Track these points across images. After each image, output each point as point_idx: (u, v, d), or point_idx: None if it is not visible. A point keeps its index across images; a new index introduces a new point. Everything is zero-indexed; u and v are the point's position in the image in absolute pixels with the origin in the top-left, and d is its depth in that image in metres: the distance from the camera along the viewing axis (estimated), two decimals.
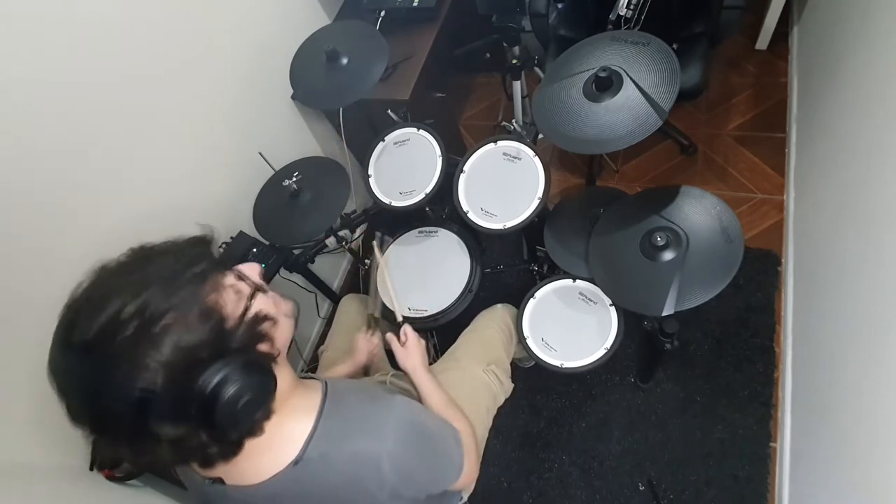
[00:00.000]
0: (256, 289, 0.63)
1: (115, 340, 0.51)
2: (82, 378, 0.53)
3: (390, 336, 1.08)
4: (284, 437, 0.65)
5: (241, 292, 0.61)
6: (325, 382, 0.74)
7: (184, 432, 0.54)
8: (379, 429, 0.69)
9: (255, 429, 0.61)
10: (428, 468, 0.77)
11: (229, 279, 0.61)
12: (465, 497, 1.05)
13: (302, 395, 0.69)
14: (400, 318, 1.18)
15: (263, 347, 0.61)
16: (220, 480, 0.65)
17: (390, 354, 1.11)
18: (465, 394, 1.05)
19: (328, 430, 0.67)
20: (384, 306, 1.31)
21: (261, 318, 0.61)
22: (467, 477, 0.86)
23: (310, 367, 1.72)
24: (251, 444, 0.61)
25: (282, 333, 0.65)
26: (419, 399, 1.03)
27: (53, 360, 0.55)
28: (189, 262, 0.58)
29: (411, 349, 1.06)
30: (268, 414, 0.61)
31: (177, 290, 0.54)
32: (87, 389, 0.53)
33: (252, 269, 0.66)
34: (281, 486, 0.64)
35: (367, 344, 1.13)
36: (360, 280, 1.50)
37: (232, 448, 0.60)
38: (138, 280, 0.55)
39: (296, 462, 0.64)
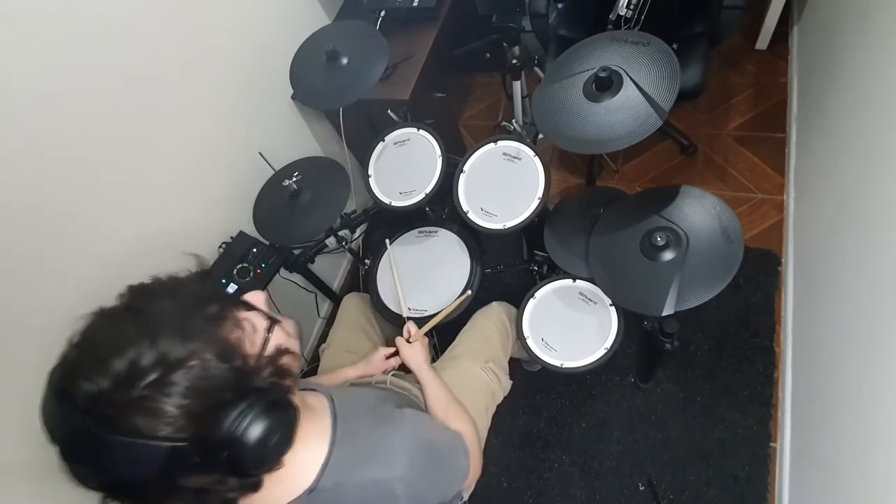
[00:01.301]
0: (271, 321, 0.61)
1: (132, 393, 0.47)
2: (94, 440, 0.49)
3: (398, 340, 1.09)
4: (297, 467, 0.63)
5: (256, 327, 0.59)
6: (332, 400, 0.73)
7: (212, 480, 0.52)
8: (390, 455, 0.68)
9: (279, 464, 0.58)
10: (438, 485, 0.78)
11: (242, 313, 0.59)
12: (466, 497, 1.05)
13: (311, 419, 0.68)
14: (405, 315, 1.19)
15: (287, 382, 0.59)
16: None
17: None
18: (465, 392, 1.06)
19: (341, 458, 0.66)
20: (385, 307, 1.32)
21: (281, 352, 0.59)
22: (472, 477, 0.87)
23: (310, 367, 1.72)
24: (267, 478, 0.60)
25: (297, 361, 0.64)
26: (422, 397, 1.04)
27: (53, 420, 0.50)
28: (199, 300, 0.55)
29: (416, 346, 1.07)
30: (289, 446, 0.59)
31: (193, 333, 0.52)
32: (102, 452, 0.49)
33: (258, 299, 0.64)
34: None
35: (383, 363, 1.11)
36: (360, 280, 1.50)
37: (253, 485, 0.58)
38: (147, 325, 0.51)
39: (310, 491, 0.63)
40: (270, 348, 0.58)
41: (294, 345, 0.64)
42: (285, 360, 0.59)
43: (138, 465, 0.48)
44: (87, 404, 0.48)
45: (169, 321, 0.52)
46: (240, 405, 0.52)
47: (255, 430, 0.52)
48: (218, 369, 0.51)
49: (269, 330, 0.60)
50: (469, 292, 1.23)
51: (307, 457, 0.65)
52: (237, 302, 0.60)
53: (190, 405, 0.49)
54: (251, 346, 0.57)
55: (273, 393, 0.56)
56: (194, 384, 0.49)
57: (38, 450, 1.03)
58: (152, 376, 0.48)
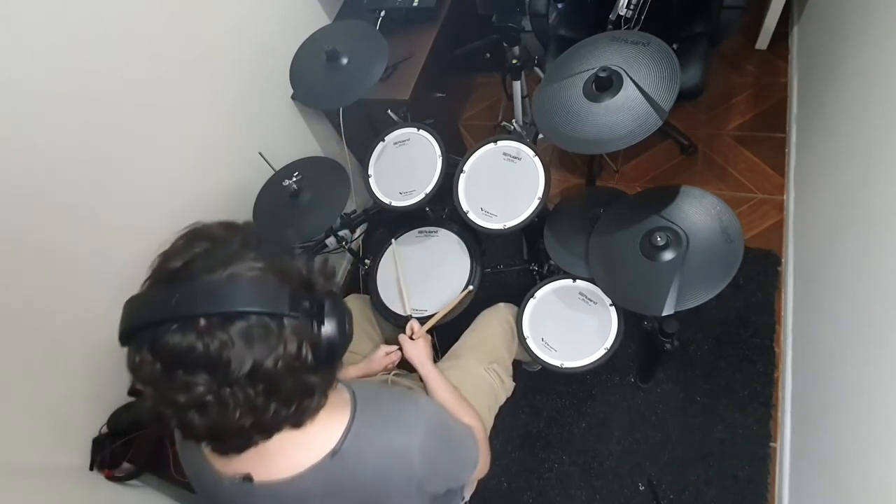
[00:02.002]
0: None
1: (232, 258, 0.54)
2: (206, 281, 0.52)
3: (401, 337, 1.10)
4: (321, 429, 0.65)
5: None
6: (348, 386, 0.74)
7: (301, 340, 0.55)
8: (410, 423, 0.71)
9: (343, 355, 0.62)
10: (452, 463, 0.80)
11: None
12: (467, 497, 1.05)
13: (332, 395, 0.70)
14: (409, 313, 1.20)
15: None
16: (249, 478, 0.64)
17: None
18: (468, 392, 1.06)
19: (363, 424, 0.68)
20: (385, 307, 1.32)
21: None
22: (481, 470, 0.88)
23: None
24: (288, 438, 0.62)
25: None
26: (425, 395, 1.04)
27: (155, 303, 0.52)
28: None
29: (419, 343, 1.07)
30: (350, 340, 0.63)
31: (269, 243, 0.59)
32: (209, 290, 0.52)
33: None
34: (314, 479, 0.64)
35: (385, 359, 1.11)
36: (360, 280, 1.50)
37: (320, 395, 0.61)
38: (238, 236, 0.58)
39: (333, 454, 0.64)
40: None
41: None
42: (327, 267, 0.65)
43: (265, 298, 0.52)
44: (205, 277, 0.53)
45: (260, 245, 0.58)
46: (313, 295, 0.58)
47: (331, 309, 0.58)
48: (292, 261, 0.59)
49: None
50: (471, 288, 1.23)
51: (330, 422, 0.66)
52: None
53: (276, 266, 0.56)
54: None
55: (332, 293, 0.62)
56: (281, 261, 0.57)
57: (38, 448, 1.04)
58: (255, 264, 0.54)
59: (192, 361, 0.50)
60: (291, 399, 0.57)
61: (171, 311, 0.50)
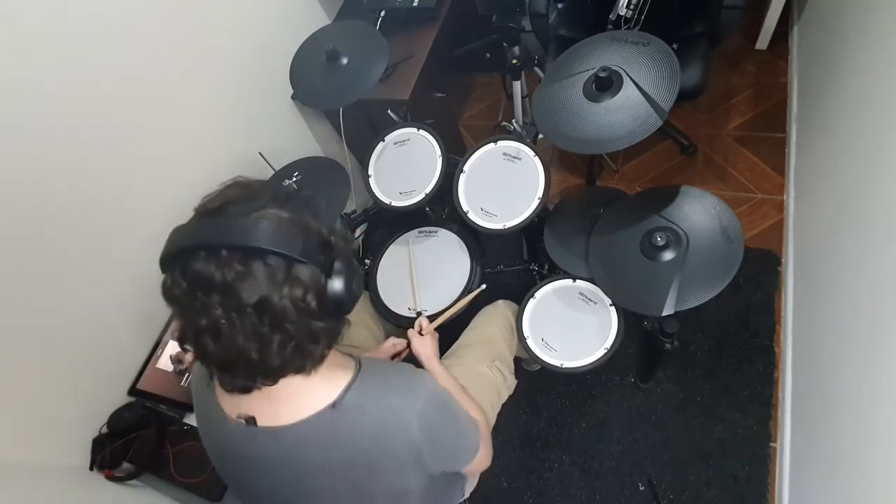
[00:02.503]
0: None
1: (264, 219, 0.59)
2: (241, 225, 0.58)
3: (410, 332, 1.10)
4: (325, 382, 0.68)
5: None
6: (355, 356, 0.77)
7: (314, 282, 0.60)
8: (412, 389, 0.73)
9: (345, 325, 0.68)
10: (451, 438, 0.81)
11: None
12: (468, 493, 1.05)
13: (339, 357, 0.74)
14: (418, 310, 1.22)
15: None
16: (253, 420, 0.68)
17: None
18: (472, 390, 1.06)
19: (366, 383, 0.70)
20: (385, 307, 1.32)
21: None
22: (481, 462, 0.88)
23: None
24: (294, 387, 0.66)
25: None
26: None
27: (195, 228, 0.60)
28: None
29: (427, 339, 1.08)
30: (360, 294, 0.68)
31: (296, 203, 0.66)
32: (244, 235, 0.57)
33: None
34: (314, 428, 0.67)
35: (392, 349, 1.13)
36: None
37: (326, 343, 0.65)
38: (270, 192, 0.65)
39: (333, 405, 0.67)
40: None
41: None
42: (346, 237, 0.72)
43: (281, 241, 0.58)
44: (236, 214, 0.60)
45: (287, 201, 0.64)
46: (329, 248, 0.63)
47: (344, 263, 0.64)
48: (315, 222, 0.65)
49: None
50: (484, 286, 1.23)
51: (334, 376, 0.70)
52: None
53: (300, 220, 0.62)
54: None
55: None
56: (298, 208, 0.64)
57: (38, 448, 1.04)
58: (281, 214, 0.61)
59: (211, 286, 0.56)
60: (294, 339, 0.60)
61: (201, 240, 0.57)
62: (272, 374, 0.63)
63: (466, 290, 1.27)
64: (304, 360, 0.63)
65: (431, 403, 0.73)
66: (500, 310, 1.27)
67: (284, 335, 0.59)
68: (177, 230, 0.60)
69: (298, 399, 0.67)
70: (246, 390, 0.63)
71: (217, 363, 0.61)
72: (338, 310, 0.63)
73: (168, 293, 0.59)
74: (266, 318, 0.57)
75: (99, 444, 1.11)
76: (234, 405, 0.69)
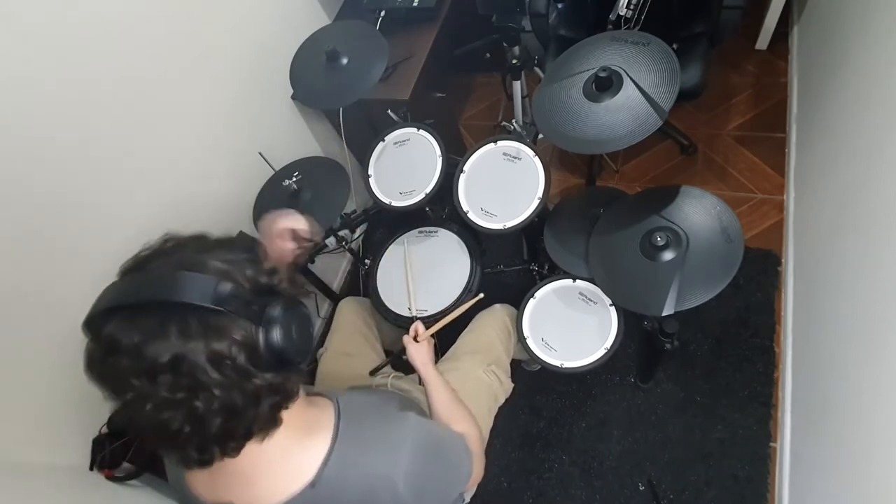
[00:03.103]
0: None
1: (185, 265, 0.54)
2: (153, 281, 0.54)
3: (405, 338, 1.10)
4: (300, 457, 0.64)
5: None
6: (336, 400, 0.73)
7: (246, 337, 0.54)
8: (395, 449, 0.68)
9: (308, 357, 0.61)
10: (441, 485, 0.78)
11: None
12: (468, 498, 1.05)
13: (315, 414, 0.69)
14: (414, 311, 1.21)
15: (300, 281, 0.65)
16: None
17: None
18: (467, 395, 1.06)
19: (344, 451, 0.66)
20: (386, 307, 1.31)
21: (302, 280, 0.65)
22: (474, 481, 0.87)
23: (309, 368, 1.72)
24: (267, 462, 0.61)
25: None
26: (424, 399, 1.04)
27: (119, 287, 0.55)
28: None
29: (422, 346, 1.07)
30: (312, 346, 0.63)
31: (231, 245, 0.60)
32: (162, 281, 0.53)
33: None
34: None
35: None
36: (360, 280, 1.50)
37: (273, 405, 0.58)
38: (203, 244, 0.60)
39: (313, 484, 0.63)
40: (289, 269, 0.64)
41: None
42: (301, 282, 0.66)
43: (190, 289, 0.52)
44: (152, 269, 0.56)
45: (219, 247, 0.60)
46: (270, 296, 0.57)
47: (284, 309, 0.56)
48: (250, 265, 0.58)
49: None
50: (482, 295, 1.22)
51: (311, 447, 0.65)
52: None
53: (232, 270, 0.56)
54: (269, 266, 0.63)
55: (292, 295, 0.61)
56: (234, 263, 0.57)
57: (38, 448, 1.03)
58: (204, 259, 0.56)
59: (119, 350, 0.50)
60: (223, 401, 0.52)
61: (108, 301, 0.53)
62: (218, 445, 0.56)
63: (466, 290, 1.27)
64: (248, 425, 0.56)
65: (417, 458, 0.69)
66: (498, 314, 1.27)
67: (209, 399, 0.51)
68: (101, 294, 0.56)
69: (274, 474, 0.62)
70: (205, 464, 0.57)
71: (153, 442, 0.55)
72: (280, 363, 0.56)
73: (86, 365, 0.53)
74: (183, 381, 0.50)
75: (99, 444, 1.11)
76: (210, 488, 0.64)
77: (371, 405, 0.80)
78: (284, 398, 0.59)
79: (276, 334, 0.55)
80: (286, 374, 0.58)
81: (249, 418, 0.56)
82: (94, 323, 0.53)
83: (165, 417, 0.51)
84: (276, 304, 0.56)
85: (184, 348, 0.50)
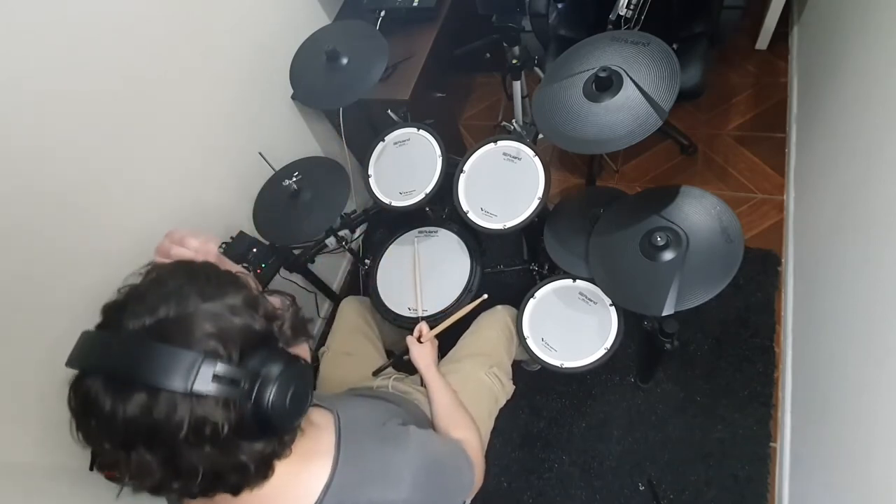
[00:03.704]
0: (292, 298, 0.64)
1: (169, 318, 0.51)
2: (138, 350, 0.50)
3: (409, 339, 1.10)
4: (301, 486, 0.63)
5: (277, 303, 0.62)
6: (337, 416, 0.72)
7: (236, 417, 0.52)
8: (396, 476, 0.68)
9: (299, 422, 0.59)
10: (442, 503, 0.77)
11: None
12: (468, 502, 1.05)
13: (315, 436, 0.68)
14: (420, 312, 1.21)
15: (303, 352, 0.62)
16: None
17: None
18: (468, 397, 1.05)
19: (344, 478, 0.66)
20: (386, 307, 1.31)
21: (304, 318, 0.63)
22: (475, 490, 0.87)
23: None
24: (265, 496, 0.60)
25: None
26: (425, 401, 1.03)
27: (91, 347, 0.52)
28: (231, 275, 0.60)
29: (426, 347, 1.07)
30: (308, 403, 0.60)
31: (225, 283, 0.56)
32: (142, 361, 0.49)
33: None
34: None
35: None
36: (360, 280, 1.50)
37: (264, 466, 0.57)
38: (191, 286, 0.55)
39: None
40: (293, 312, 0.62)
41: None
42: (307, 326, 0.63)
43: (170, 371, 0.49)
44: (131, 328, 0.51)
45: (208, 286, 0.55)
46: (263, 352, 0.54)
47: (274, 377, 0.53)
48: (245, 313, 0.55)
49: (293, 303, 0.63)
50: (486, 296, 1.21)
51: (310, 476, 0.65)
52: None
53: (221, 332, 0.52)
54: (274, 306, 0.60)
55: (294, 353, 0.59)
56: (225, 317, 0.53)
57: (38, 448, 1.03)
58: (189, 311, 0.52)
59: (94, 412, 0.50)
60: (205, 472, 0.51)
61: (82, 362, 0.52)
62: (206, 495, 0.55)
63: (466, 290, 1.27)
64: (236, 485, 0.55)
65: (418, 485, 0.68)
66: (500, 315, 1.27)
67: (190, 471, 0.51)
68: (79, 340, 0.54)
69: (274, 503, 0.62)
70: (200, 495, 0.56)
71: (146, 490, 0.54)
72: (271, 430, 0.54)
73: (69, 401, 0.53)
74: (159, 452, 0.50)
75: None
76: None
77: (372, 421, 0.79)
78: (279, 455, 0.58)
79: (268, 403, 0.52)
80: (277, 439, 0.57)
81: (239, 481, 0.55)
82: (74, 379, 0.52)
83: (143, 476, 0.51)
84: (270, 365, 0.53)
85: (161, 421, 0.49)
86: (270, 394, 0.53)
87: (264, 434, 0.55)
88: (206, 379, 0.49)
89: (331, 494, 0.64)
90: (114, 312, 0.53)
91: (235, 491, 0.57)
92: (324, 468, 0.65)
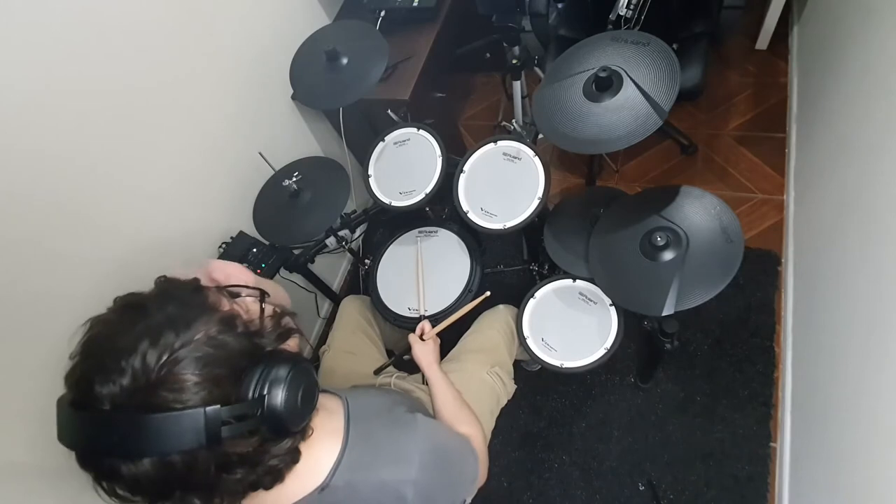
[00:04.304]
0: (260, 292, 0.64)
1: (151, 377, 0.49)
2: (129, 426, 0.48)
3: (411, 337, 1.10)
4: (310, 462, 0.64)
5: (248, 305, 0.61)
6: (346, 401, 0.73)
7: (253, 444, 0.54)
8: (404, 457, 0.69)
9: (310, 423, 0.61)
10: (449, 491, 0.78)
11: (229, 299, 0.61)
12: (469, 501, 1.05)
13: (325, 418, 0.69)
14: (422, 312, 1.21)
15: (292, 344, 0.62)
16: None
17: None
18: (470, 396, 1.05)
19: (354, 458, 0.67)
20: (385, 307, 1.31)
21: (279, 314, 0.62)
22: (479, 484, 0.87)
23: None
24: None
25: (294, 319, 0.66)
26: (426, 399, 1.04)
27: (77, 431, 0.51)
28: (190, 294, 0.58)
29: (428, 345, 1.07)
30: (315, 402, 0.62)
31: (192, 319, 0.53)
32: (140, 436, 0.48)
33: (241, 272, 0.67)
34: None
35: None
36: (360, 280, 1.50)
37: (293, 453, 0.60)
38: (146, 323, 0.52)
39: (322, 489, 0.64)
40: (268, 312, 0.61)
41: (285, 303, 0.67)
42: (286, 320, 0.62)
43: (177, 436, 0.48)
44: (111, 402, 0.49)
45: (165, 315, 0.53)
46: (258, 368, 0.54)
47: (280, 387, 0.54)
48: (225, 338, 0.53)
49: (262, 300, 0.63)
50: (488, 293, 1.21)
51: (320, 454, 0.66)
52: (222, 289, 0.62)
53: (209, 373, 0.51)
54: (248, 314, 0.59)
55: (285, 353, 0.59)
56: (206, 354, 0.51)
57: (38, 448, 1.03)
58: (164, 358, 0.49)
59: (113, 479, 0.50)
60: (247, 484, 0.56)
61: (80, 442, 0.51)
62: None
63: (466, 290, 1.27)
64: (272, 482, 0.59)
65: (426, 466, 0.69)
66: (501, 314, 1.27)
67: (231, 491, 0.55)
68: (65, 421, 0.52)
69: (287, 484, 0.63)
70: None
71: None
72: (288, 430, 0.57)
73: (82, 468, 0.53)
74: (196, 491, 0.52)
75: None
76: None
77: (380, 407, 0.80)
78: (299, 444, 0.61)
79: (281, 410, 0.54)
80: (300, 433, 0.60)
81: (271, 481, 0.58)
82: (77, 456, 0.51)
83: None
84: (269, 377, 0.54)
85: (186, 473, 0.50)
86: (280, 402, 0.54)
87: (286, 434, 0.57)
88: (215, 429, 0.49)
89: (340, 473, 0.65)
90: (84, 385, 0.50)
91: (271, 486, 0.59)
92: (333, 448, 0.67)
